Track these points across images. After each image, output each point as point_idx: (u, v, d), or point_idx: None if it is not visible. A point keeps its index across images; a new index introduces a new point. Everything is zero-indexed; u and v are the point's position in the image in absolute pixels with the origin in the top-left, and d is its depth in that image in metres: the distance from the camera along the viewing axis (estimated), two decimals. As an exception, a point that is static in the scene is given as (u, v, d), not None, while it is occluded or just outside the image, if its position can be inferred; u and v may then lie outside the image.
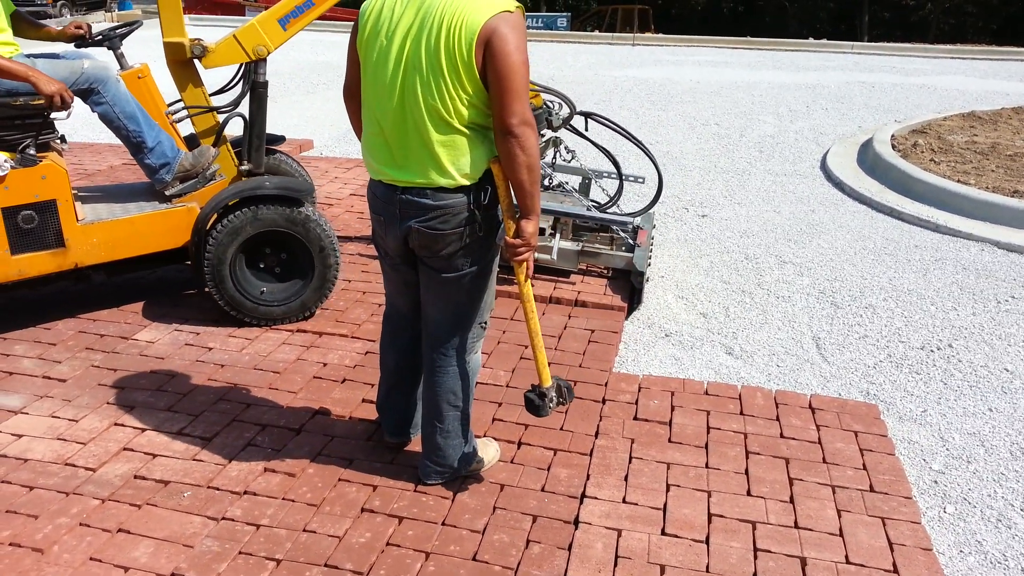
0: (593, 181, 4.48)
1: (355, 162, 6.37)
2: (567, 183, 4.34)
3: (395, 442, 2.72)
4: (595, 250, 4.08)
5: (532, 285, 2.34)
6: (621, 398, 3.06)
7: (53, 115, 3.32)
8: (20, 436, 2.78)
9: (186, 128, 3.90)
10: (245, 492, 2.51)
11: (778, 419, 2.97)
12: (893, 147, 6.63)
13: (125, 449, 2.72)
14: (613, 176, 4.43)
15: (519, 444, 2.77)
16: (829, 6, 25.91)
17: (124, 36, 3.73)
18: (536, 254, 3.96)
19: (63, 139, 3.52)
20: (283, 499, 2.48)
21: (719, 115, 8.39)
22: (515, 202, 2.19)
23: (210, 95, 3.70)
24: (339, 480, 2.57)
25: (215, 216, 3.46)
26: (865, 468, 2.70)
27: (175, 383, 3.12)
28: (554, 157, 4.39)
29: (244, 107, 3.69)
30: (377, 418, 2.81)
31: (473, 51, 1.98)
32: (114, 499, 2.47)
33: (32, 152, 3.22)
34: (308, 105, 8.77)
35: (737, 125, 7.97)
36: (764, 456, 2.75)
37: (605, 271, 4.16)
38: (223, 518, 2.40)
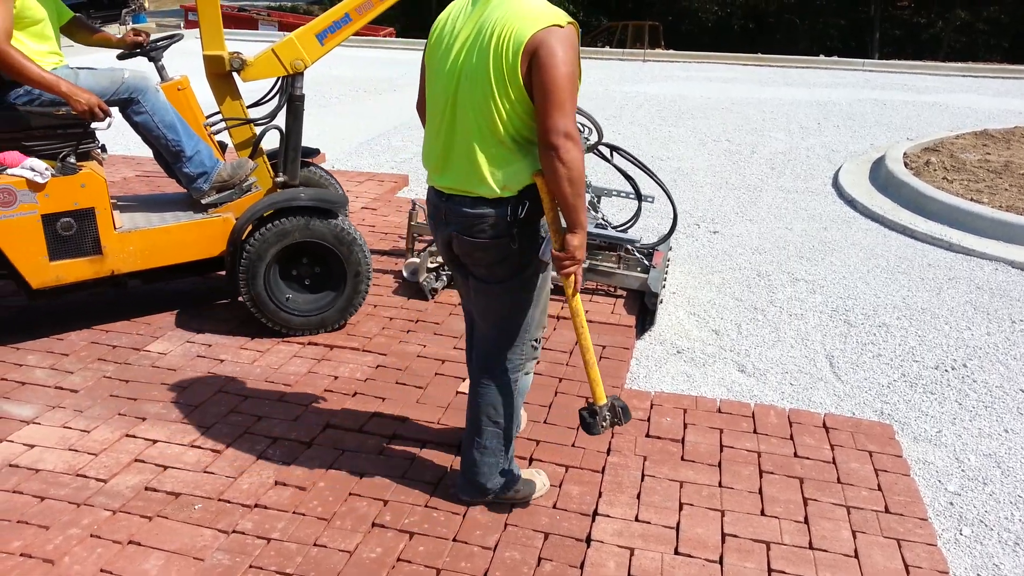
0: (601, 199, 4.47)
1: (366, 175, 6.39)
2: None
3: None
4: (607, 269, 4.05)
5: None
6: (633, 415, 3.04)
7: (94, 125, 3.37)
8: (32, 446, 2.78)
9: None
10: (256, 505, 2.51)
11: (792, 438, 2.94)
12: (905, 165, 6.61)
13: (136, 460, 2.72)
14: (621, 195, 4.41)
15: (530, 460, 2.76)
16: (840, 23, 25.96)
17: (165, 48, 3.78)
18: None
19: (103, 148, 3.57)
20: (294, 513, 2.48)
21: (730, 131, 8.39)
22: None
23: (247, 107, 3.73)
24: (350, 494, 2.57)
25: (250, 227, 3.49)
26: (880, 489, 2.67)
27: (187, 395, 3.13)
28: None
29: (280, 120, 3.72)
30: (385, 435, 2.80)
31: (519, 61, 2.01)
32: (125, 511, 2.47)
33: (72, 161, 3.27)
34: (322, 118, 8.81)
35: (748, 141, 7.97)
36: (778, 475, 2.72)
37: (612, 290, 4.13)
38: (234, 531, 2.39)
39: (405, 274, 4.21)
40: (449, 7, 2.24)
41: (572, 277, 2.23)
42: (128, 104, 3.48)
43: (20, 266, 3.25)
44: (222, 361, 3.40)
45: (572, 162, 2.03)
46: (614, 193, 4.45)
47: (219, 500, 2.53)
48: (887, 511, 2.56)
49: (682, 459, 2.79)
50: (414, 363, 3.42)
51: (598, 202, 4.47)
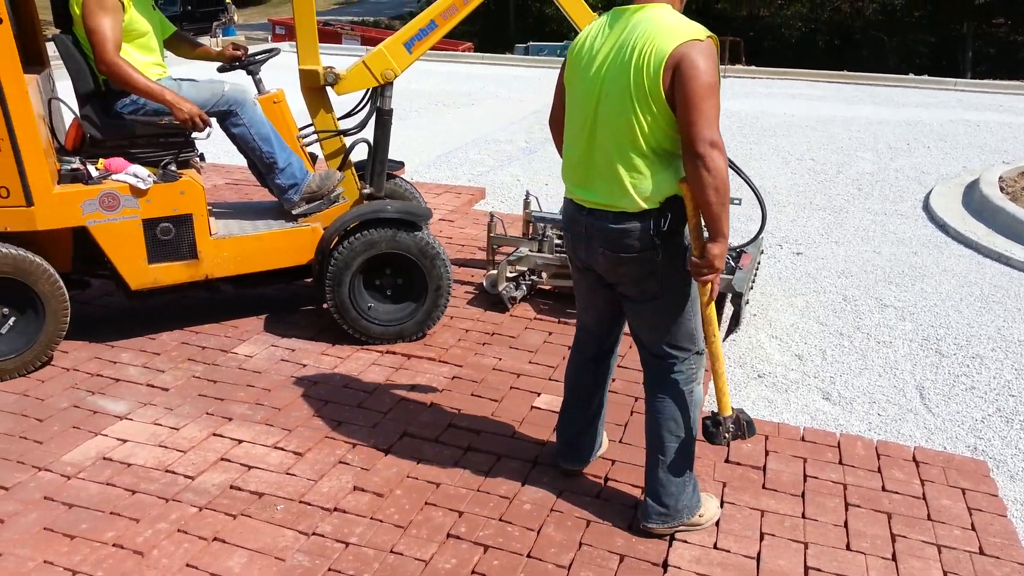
0: None
1: (444, 187, 6.47)
2: None
3: (569, 468, 2.70)
4: None
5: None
6: (712, 438, 2.98)
7: (194, 134, 3.51)
8: (125, 441, 2.90)
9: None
10: (335, 509, 2.55)
11: (879, 471, 2.83)
12: (1001, 189, 6.32)
13: (222, 459, 2.80)
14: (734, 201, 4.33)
15: (606, 480, 2.73)
16: (930, 41, 25.09)
17: (263, 62, 3.92)
18: None
19: (202, 157, 3.72)
20: (371, 519, 2.51)
21: (814, 150, 8.19)
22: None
23: (338, 119, 3.83)
24: (426, 503, 2.59)
25: (337, 236, 3.58)
26: (974, 528, 2.54)
27: (271, 397, 3.21)
28: None
29: (369, 133, 3.81)
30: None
31: (660, 75, 2.07)
32: (211, 508, 2.55)
33: (173, 168, 3.41)
34: (402, 131, 8.98)
35: (834, 161, 7.75)
36: (864, 509, 2.62)
37: None
38: (314, 533, 2.44)
39: (485, 285, 4.24)
40: (586, 29, 2.32)
41: (709, 285, 2.25)
42: (227, 116, 3.62)
43: (121, 267, 3.41)
44: (304, 366, 3.48)
45: (717, 170, 2.06)
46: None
47: (300, 502, 2.58)
48: (982, 552, 2.44)
49: (763, 487, 2.71)
50: (490, 376, 3.43)
51: None
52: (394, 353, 3.62)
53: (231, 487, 2.65)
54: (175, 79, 3.55)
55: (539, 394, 3.27)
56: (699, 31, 2.09)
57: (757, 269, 4.18)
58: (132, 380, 3.32)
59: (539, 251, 4.16)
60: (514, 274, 4.18)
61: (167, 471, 2.73)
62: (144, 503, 2.56)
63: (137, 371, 3.40)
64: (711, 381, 2.46)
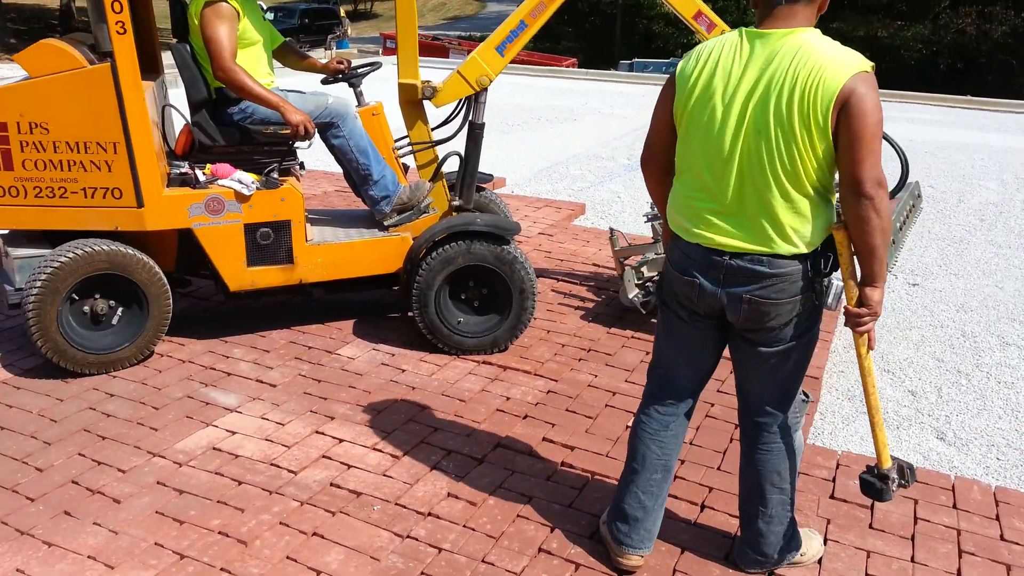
0: None
1: (544, 202, 6.50)
2: None
3: (634, 556, 2.33)
4: None
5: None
6: (816, 473, 2.86)
7: (296, 144, 3.65)
8: (233, 433, 3.03)
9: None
10: (429, 514, 2.59)
11: (998, 519, 2.66)
12: None
13: (324, 457, 2.89)
14: None
15: (702, 507, 2.66)
16: (1065, 65, 23.57)
17: (364, 75, 4.05)
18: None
19: (302, 166, 3.86)
20: (464, 526, 2.53)
21: (933, 177, 7.81)
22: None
23: (432, 129, 3.92)
24: (518, 516, 2.59)
25: (427, 247, 3.65)
26: (1106, 590, 2.35)
27: (371, 400, 3.29)
28: None
29: (460, 145, 3.89)
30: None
31: (830, 112, 1.90)
32: (311, 503, 2.63)
33: (275, 176, 3.55)
34: (503, 144, 9.10)
35: (954, 189, 7.37)
36: (980, 558, 2.46)
37: None
38: (408, 536, 2.48)
39: (621, 298, 4.21)
40: (704, 54, 2.08)
41: (867, 335, 2.10)
42: (328, 127, 3.73)
43: (222, 269, 3.53)
44: (403, 371, 3.55)
45: (885, 212, 1.93)
46: None
47: (396, 504, 2.63)
48: (1115, 618, 2.25)
49: (870, 527, 2.58)
50: (585, 392, 3.41)
51: None
52: (490, 364, 3.65)
53: (331, 484, 2.72)
54: (282, 89, 3.68)
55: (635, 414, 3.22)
56: (863, 61, 1.93)
57: (907, 219, 3.86)
58: (243, 375, 3.47)
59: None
60: (640, 280, 4.13)
61: (272, 464, 2.83)
62: (249, 494, 2.67)
63: (248, 366, 3.55)
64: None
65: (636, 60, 21.24)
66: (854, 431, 3.28)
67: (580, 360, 3.71)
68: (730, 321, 2.15)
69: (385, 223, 3.86)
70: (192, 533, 2.47)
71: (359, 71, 4.04)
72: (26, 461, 2.80)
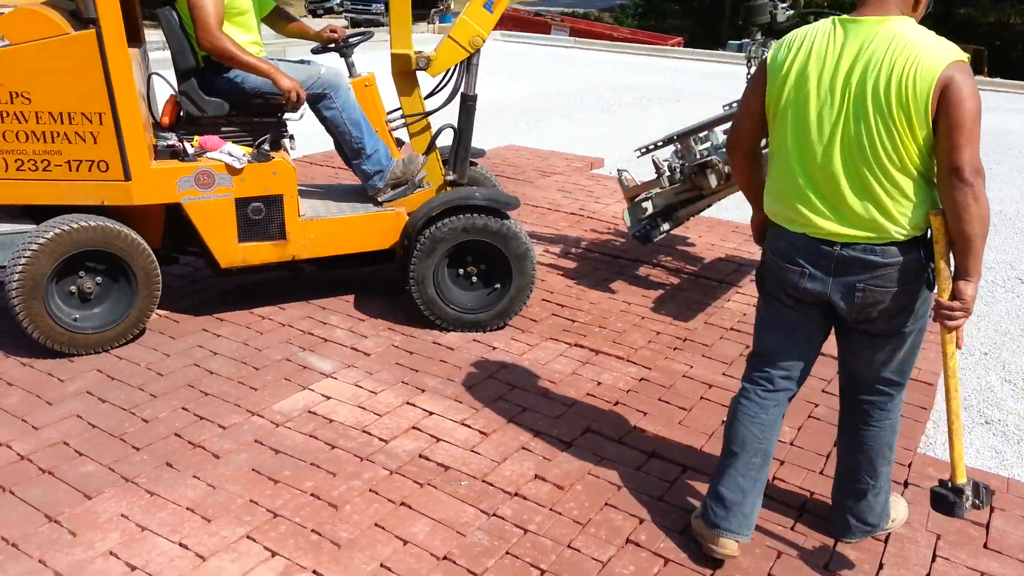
0: None
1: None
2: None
3: (730, 542, 2.25)
4: None
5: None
6: (927, 484, 2.68)
7: (286, 116, 3.57)
8: (328, 398, 3.08)
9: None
10: (516, 494, 2.57)
11: None
12: None
13: (414, 428, 2.90)
14: None
15: (801, 511, 2.54)
16: None
17: (356, 45, 3.94)
18: (728, 168, 3.84)
19: (292, 139, 3.73)
20: (551, 510, 2.50)
21: (1068, 176, 7.23)
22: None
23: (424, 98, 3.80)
24: (606, 504, 2.54)
25: (424, 222, 3.56)
26: None
27: (461, 375, 3.29)
28: None
29: (452, 118, 3.79)
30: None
31: (930, 100, 1.91)
32: (400, 473, 2.65)
33: (267, 148, 3.42)
34: (602, 122, 8.95)
35: (1091, 190, 6.80)
36: (1110, 592, 2.26)
37: None
38: (494, 514, 2.46)
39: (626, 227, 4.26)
40: (796, 42, 2.08)
41: (957, 332, 2.04)
42: (320, 99, 3.63)
43: (212, 246, 3.43)
44: (494, 348, 3.54)
45: (984, 201, 1.92)
46: None
47: (483, 481, 2.62)
48: None
49: (984, 547, 2.41)
50: (679, 382, 3.32)
51: None
52: (581, 347, 3.59)
53: (420, 456, 2.74)
54: (272, 59, 3.55)
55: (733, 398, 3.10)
56: (959, 51, 1.94)
57: None
58: (339, 342, 3.53)
59: (671, 184, 4.15)
60: (643, 216, 4.18)
61: (364, 431, 2.87)
62: (341, 459, 2.71)
63: (343, 334, 3.61)
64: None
65: (745, 41, 20.52)
66: (969, 443, 3.07)
67: (675, 349, 3.61)
68: (842, 312, 2.13)
69: (379, 199, 3.78)
70: (285, 493, 2.53)
71: (351, 40, 3.92)
72: (133, 411, 2.93)
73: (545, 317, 3.87)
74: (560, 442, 2.86)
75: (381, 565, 2.24)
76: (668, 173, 4.14)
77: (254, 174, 3.40)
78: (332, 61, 3.92)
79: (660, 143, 4.18)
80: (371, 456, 2.73)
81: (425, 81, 3.68)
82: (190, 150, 3.33)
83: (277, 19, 3.93)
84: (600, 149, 7.65)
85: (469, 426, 2.93)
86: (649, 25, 25.10)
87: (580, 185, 6.27)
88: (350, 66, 4.00)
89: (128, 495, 2.48)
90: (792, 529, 2.46)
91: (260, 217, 3.46)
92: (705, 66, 14.09)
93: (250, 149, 3.43)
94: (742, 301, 4.14)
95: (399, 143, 4.06)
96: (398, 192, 3.79)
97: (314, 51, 4.05)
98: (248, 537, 2.33)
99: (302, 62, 3.71)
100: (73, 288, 3.25)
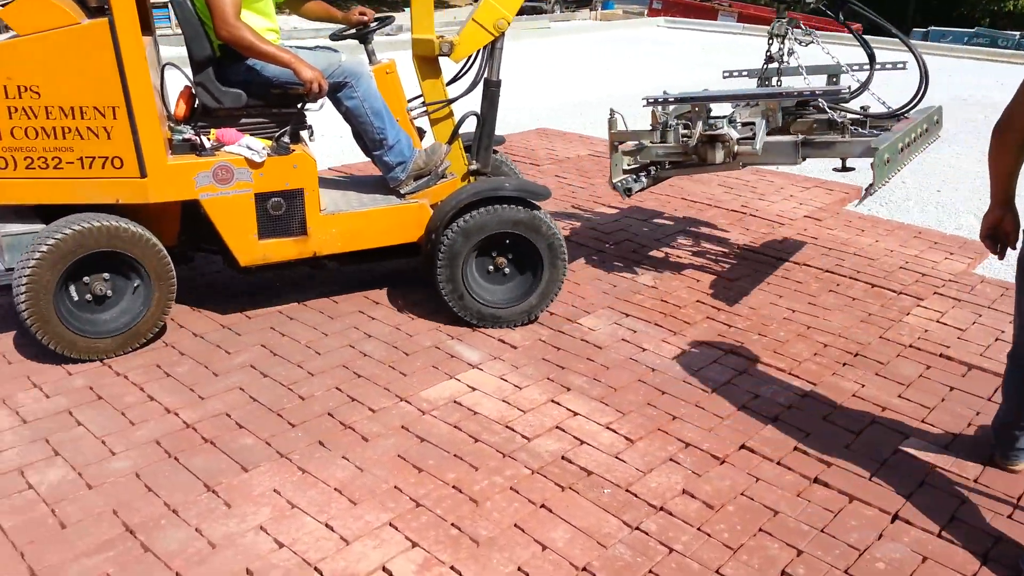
0: (842, 75, 4.17)
1: (814, 182, 5.94)
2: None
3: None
4: (826, 140, 3.67)
5: None
6: None
7: (306, 107, 3.45)
8: (474, 389, 3.07)
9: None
10: (661, 508, 2.44)
11: None
12: None
13: (557, 427, 2.83)
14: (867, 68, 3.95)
15: (987, 555, 2.25)
16: None
17: (375, 31, 3.78)
18: (738, 147, 3.60)
19: (311, 130, 3.59)
20: (699, 529, 2.35)
21: None
22: None
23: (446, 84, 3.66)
24: (760, 530, 2.36)
25: (452, 214, 3.40)
26: None
27: (608, 375, 3.18)
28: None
29: (476, 104, 3.63)
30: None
31: None
32: (542, 473, 2.58)
33: (286, 141, 3.30)
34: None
35: None
36: None
37: (841, 168, 3.75)
38: (638, 528, 2.35)
39: (609, 182, 3.94)
40: None
41: None
42: (341, 88, 3.45)
43: (231, 243, 3.28)
44: (644, 350, 3.40)
45: None
46: (856, 67, 4.18)
47: (627, 491, 2.51)
48: None
49: None
50: (848, 402, 3.05)
51: (838, 80, 4.19)
52: (738, 355, 3.38)
53: (562, 457, 2.66)
54: (289, 47, 3.41)
55: (908, 436, 2.82)
56: None
57: (915, 141, 3.64)
58: (486, 332, 3.51)
59: (662, 141, 3.78)
60: (631, 167, 3.86)
61: (507, 427, 2.83)
62: (484, 453, 2.68)
63: (491, 324, 3.59)
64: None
65: (932, 28, 18.87)
66: None
67: (844, 365, 3.32)
68: None
69: (401, 191, 3.63)
70: (429, 483, 2.53)
71: (372, 27, 3.76)
72: (292, 388, 3.04)
73: (699, 320, 3.68)
74: (711, 457, 2.69)
75: (519, 569, 2.19)
76: (660, 131, 3.80)
77: (274, 168, 3.26)
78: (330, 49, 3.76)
79: (672, 100, 3.84)
80: (513, 453, 2.68)
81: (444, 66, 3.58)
82: (207, 144, 3.19)
83: (297, 2, 3.74)
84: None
85: (615, 431, 2.82)
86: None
87: (743, 181, 5.95)
88: (370, 53, 3.87)
89: (282, 471, 2.57)
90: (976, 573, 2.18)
91: (280, 212, 3.31)
92: (885, 55, 13.06)
93: (269, 142, 3.31)
94: (924, 315, 3.76)
95: (420, 132, 3.93)
96: (421, 183, 3.66)
97: (332, 36, 3.92)
98: (391, 524, 2.34)
99: (318, 48, 3.63)
100: (82, 291, 3.10)
